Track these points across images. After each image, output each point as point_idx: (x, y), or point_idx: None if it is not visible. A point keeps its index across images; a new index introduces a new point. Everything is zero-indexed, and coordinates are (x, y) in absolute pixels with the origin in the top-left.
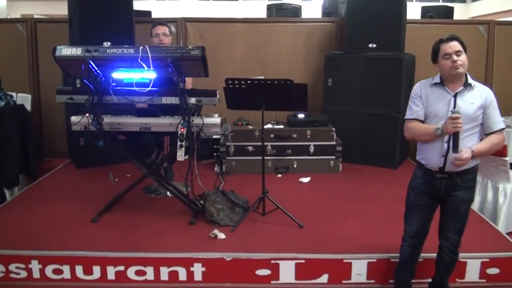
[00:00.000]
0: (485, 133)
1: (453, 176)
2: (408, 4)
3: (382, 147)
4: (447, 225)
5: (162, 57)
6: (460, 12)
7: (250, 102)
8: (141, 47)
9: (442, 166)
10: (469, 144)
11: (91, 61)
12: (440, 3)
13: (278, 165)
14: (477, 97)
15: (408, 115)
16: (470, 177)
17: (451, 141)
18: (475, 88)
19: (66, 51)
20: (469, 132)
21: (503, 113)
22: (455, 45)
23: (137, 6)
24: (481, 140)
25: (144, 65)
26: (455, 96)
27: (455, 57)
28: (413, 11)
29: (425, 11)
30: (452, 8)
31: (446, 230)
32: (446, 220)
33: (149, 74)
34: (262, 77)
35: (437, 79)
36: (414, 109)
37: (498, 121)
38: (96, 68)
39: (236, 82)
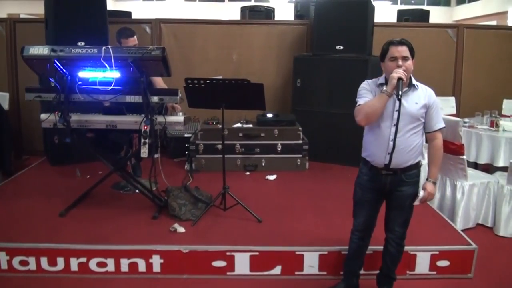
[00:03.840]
0: (426, 131)
1: (398, 172)
2: (387, 7)
3: (348, 146)
4: (393, 219)
5: (124, 57)
6: (445, 16)
7: (210, 101)
8: (103, 48)
9: (387, 163)
10: (415, 142)
11: (56, 61)
12: (418, 6)
13: (247, 163)
14: (421, 97)
15: (358, 103)
16: (414, 172)
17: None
18: (419, 89)
19: (33, 50)
20: (413, 131)
21: (470, 114)
22: (403, 50)
23: (117, 6)
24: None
25: (106, 65)
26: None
27: (400, 62)
28: (391, 14)
29: (401, 14)
30: (427, 12)
31: (392, 223)
32: (392, 214)
33: (112, 74)
34: (220, 77)
35: (382, 80)
36: (364, 99)
37: (439, 120)
38: (61, 67)
39: (196, 81)
